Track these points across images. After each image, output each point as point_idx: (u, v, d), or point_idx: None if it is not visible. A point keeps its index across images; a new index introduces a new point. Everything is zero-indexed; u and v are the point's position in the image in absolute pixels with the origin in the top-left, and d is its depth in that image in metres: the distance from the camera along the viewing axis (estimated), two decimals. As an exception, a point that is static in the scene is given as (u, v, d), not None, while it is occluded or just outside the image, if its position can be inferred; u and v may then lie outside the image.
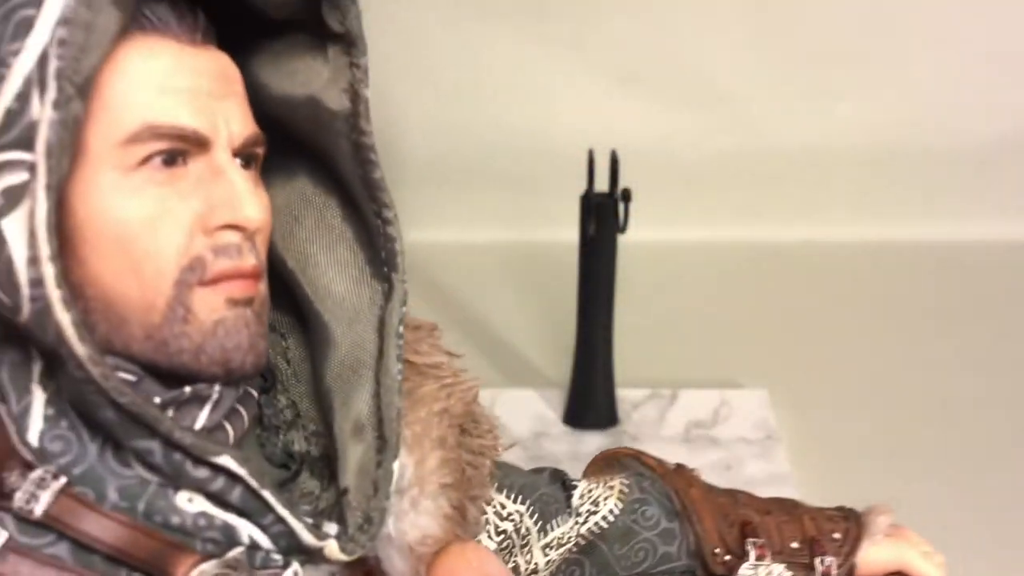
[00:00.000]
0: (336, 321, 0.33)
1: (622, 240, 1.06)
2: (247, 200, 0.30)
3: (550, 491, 0.43)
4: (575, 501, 0.43)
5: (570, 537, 0.42)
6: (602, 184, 1.04)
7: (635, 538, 0.43)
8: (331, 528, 0.30)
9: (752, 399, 1.15)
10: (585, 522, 0.42)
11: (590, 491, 0.43)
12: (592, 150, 1.04)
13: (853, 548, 0.46)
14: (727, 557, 0.43)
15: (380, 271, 0.33)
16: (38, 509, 0.26)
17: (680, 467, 0.46)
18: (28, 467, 0.27)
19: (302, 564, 0.30)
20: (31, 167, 0.25)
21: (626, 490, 0.43)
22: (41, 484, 0.26)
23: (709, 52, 1.38)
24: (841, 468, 1.05)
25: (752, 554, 0.43)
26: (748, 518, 0.44)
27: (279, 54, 0.33)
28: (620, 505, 0.42)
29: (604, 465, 0.47)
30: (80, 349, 0.26)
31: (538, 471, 0.44)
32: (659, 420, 1.12)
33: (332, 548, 0.30)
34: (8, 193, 0.25)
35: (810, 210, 1.47)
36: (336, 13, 0.31)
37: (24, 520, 0.26)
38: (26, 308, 0.26)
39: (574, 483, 0.44)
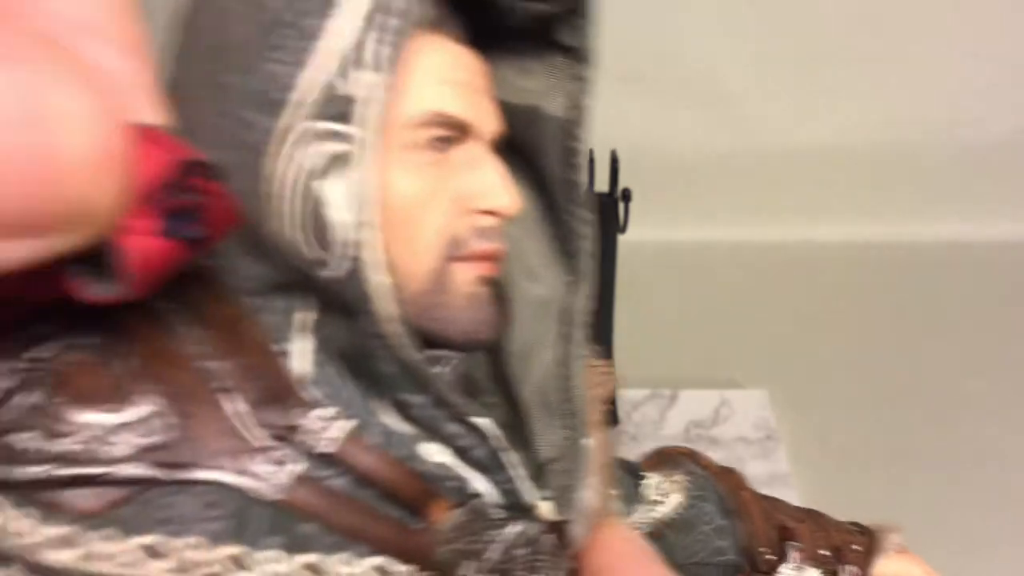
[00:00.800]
0: (521, 303, 0.36)
1: (622, 240, 1.06)
2: (504, 188, 0.33)
3: (625, 479, 0.46)
4: (646, 491, 0.47)
5: (642, 523, 0.46)
6: (602, 184, 1.04)
7: (694, 531, 0.46)
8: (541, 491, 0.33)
9: (752, 399, 1.15)
10: (653, 510, 0.46)
11: (659, 484, 0.47)
12: (592, 150, 1.04)
13: (870, 560, 0.49)
14: (769, 556, 0.46)
15: (567, 265, 0.37)
16: (330, 445, 0.29)
17: (730, 469, 0.50)
18: (311, 406, 0.30)
19: (516, 520, 0.32)
20: (350, 138, 0.28)
21: (688, 486, 0.47)
22: (330, 422, 0.29)
23: (709, 52, 1.38)
24: (841, 468, 1.05)
25: (793, 555, 0.46)
26: (786, 523, 0.48)
27: (504, 58, 0.36)
28: (685, 500, 0.46)
29: (659, 461, 0.50)
30: (388, 309, 0.29)
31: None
32: (659, 420, 1.12)
33: (546, 508, 0.34)
34: (327, 158, 0.28)
35: (810, 210, 1.47)
36: (569, 28, 0.35)
37: (311, 453, 0.29)
38: (338, 266, 0.28)
39: (642, 474, 0.47)
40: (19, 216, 0.20)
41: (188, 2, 0.33)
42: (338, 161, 0.29)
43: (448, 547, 0.31)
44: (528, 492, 0.33)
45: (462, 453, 0.32)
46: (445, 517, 0.32)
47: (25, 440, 0.26)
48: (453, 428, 0.32)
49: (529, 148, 0.37)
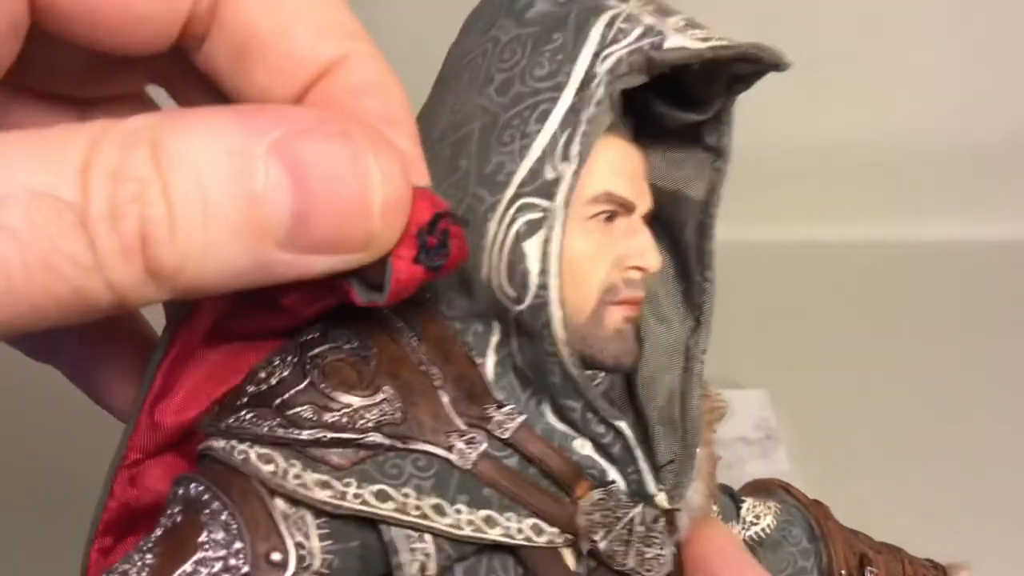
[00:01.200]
0: (651, 340, 0.48)
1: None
2: (652, 252, 0.45)
3: (724, 500, 0.54)
4: (742, 512, 0.54)
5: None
6: (602, 184, 1.04)
7: (782, 550, 0.54)
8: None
9: (752, 399, 1.15)
10: (748, 529, 0.54)
11: (754, 506, 0.55)
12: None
13: None
14: None
15: (692, 312, 0.48)
16: (509, 433, 0.41)
17: (818, 502, 0.57)
18: (498, 405, 0.41)
19: (639, 504, 0.44)
20: (546, 209, 0.39)
21: (780, 512, 0.55)
22: (511, 416, 0.41)
23: (709, 52, 1.38)
24: (841, 468, 1.05)
25: None
26: (866, 552, 0.55)
27: (658, 149, 0.47)
28: (775, 523, 0.54)
29: (755, 489, 0.58)
30: (559, 333, 0.40)
31: None
32: (659, 420, 1.12)
33: (663, 498, 0.44)
34: (530, 224, 0.39)
35: (811, 210, 1.47)
36: (715, 133, 0.47)
37: (495, 438, 0.40)
38: (528, 302, 0.40)
39: (742, 498, 0.55)
40: (339, 239, 0.31)
41: (429, 104, 0.45)
42: (535, 225, 0.39)
43: (587, 517, 0.42)
44: (650, 485, 0.44)
45: (603, 449, 0.43)
46: (587, 495, 0.42)
47: (301, 412, 0.38)
48: (599, 428, 0.42)
49: (672, 222, 0.48)
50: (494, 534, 0.39)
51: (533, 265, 0.39)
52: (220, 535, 0.35)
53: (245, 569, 0.35)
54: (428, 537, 0.38)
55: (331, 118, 0.31)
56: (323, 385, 0.39)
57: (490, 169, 0.40)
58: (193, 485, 0.38)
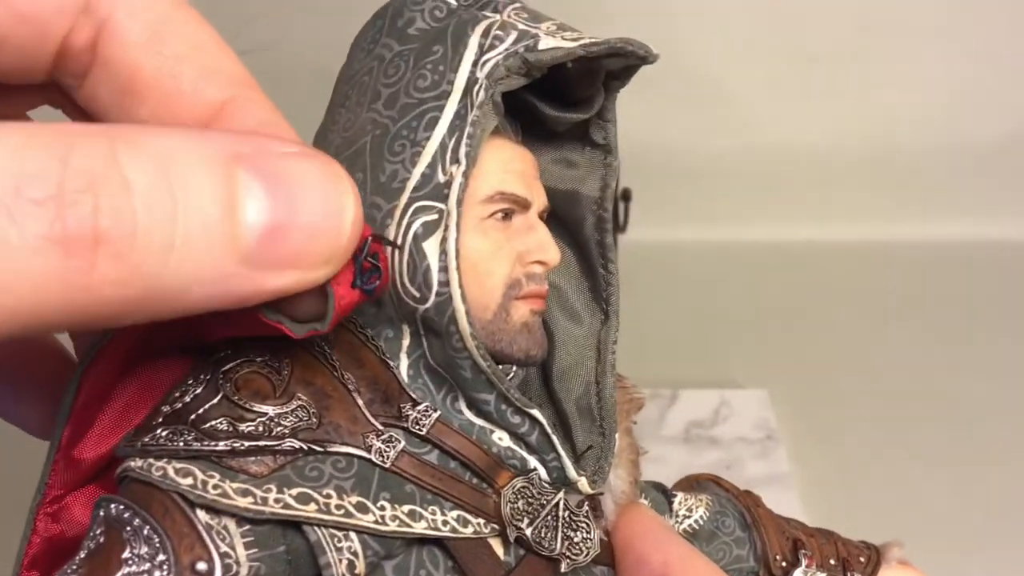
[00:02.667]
0: (563, 336, 0.50)
1: (622, 240, 1.06)
2: (551, 246, 0.46)
3: (656, 495, 0.55)
4: (675, 506, 0.55)
5: None
6: (602, 184, 1.04)
7: (717, 540, 0.55)
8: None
9: (752, 399, 1.15)
10: (682, 522, 0.55)
11: (685, 500, 0.56)
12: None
13: (874, 572, 0.56)
14: (783, 563, 0.55)
15: (600, 305, 0.49)
16: (425, 429, 0.42)
17: (749, 492, 0.59)
18: (413, 403, 0.42)
19: (561, 490, 0.45)
20: (441, 211, 0.41)
21: (711, 504, 0.56)
22: (426, 413, 0.42)
23: (709, 52, 1.38)
24: (841, 468, 1.05)
25: (804, 562, 0.55)
26: (799, 536, 0.56)
27: (548, 152, 0.50)
28: (707, 514, 0.55)
29: (687, 484, 0.59)
30: (467, 328, 0.41)
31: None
32: (659, 420, 1.12)
33: (584, 483, 0.45)
34: (426, 225, 0.41)
35: (810, 210, 1.47)
36: (600, 130, 0.49)
37: (413, 434, 0.42)
38: (431, 299, 0.41)
39: (673, 493, 0.56)
40: (305, 254, 0.31)
41: (321, 130, 0.47)
42: (432, 226, 0.41)
43: (511, 506, 0.43)
44: (570, 471, 0.45)
45: (521, 439, 0.44)
46: (509, 484, 0.43)
47: (216, 425, 0.38)
48: (515, 419, 0.44)
49: (571, 219, 0.50)
50: (419, 527, 0.40)
51: (433, 263, 0.41)
52: (144, 549, 0.36)
53: None
54: (353, 535, 0.39)
55: (291, 141, 0.32)
56: (236, 397, 0.39)
57: (384, 178, 0.42)
58: (114, 506, 0.37)
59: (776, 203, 1.47)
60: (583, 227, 0.50)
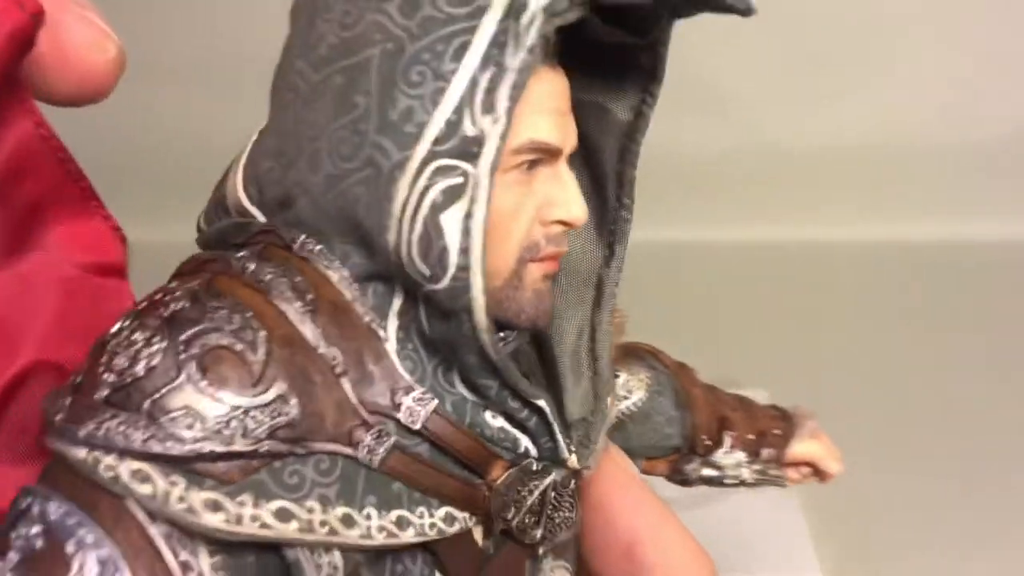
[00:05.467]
0: (563, 271, 0.43)
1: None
2: (577, 203, 0.39)
3: None
4: (617, 387, 0.54)
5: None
6: (602, 184, 1.04)
7: (650, 421, 0.56)
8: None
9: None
10: (619, 404, 0.54)
11: (626, 382, 0.55)
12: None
13: (787, 442, 0.60)
14: (708, 443, 0.57)
15: (606, 241, 0.44)
16: (419, 423, 0.36)
17: (684, 365, 0.60)
18: (406, 389, 0.36)
19: (552, 471, 0.41)
20: (467, 174, 0.34)
21: (650, 383, 0.56)
22: (422, 402, 0.36)
23: (710, 52, 1.38)
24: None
25: (727, 442, 0.57)
26: (725, 414, 0.58)
27: (582, 68, 0.41)
28: (645, 395, 0.55)
29: (625, 353, 0.58)
30: (483, 321, 0.35)
31: None
32: (659, 420, 1.12)
33: (573, 460, 0.41)
34: (447, 192, 0.33)
35: (810, 210, 1.47)
36: (651, 56, 0.41)
37: (402, 427, 0.36)
38: (445, 283, 0.34)
39: (617, 372, 0.54)
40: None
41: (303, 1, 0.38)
42: (455, 193, 0.34)
43: (501, 499, 0.38)
44: (563, 451, 0.41)
45: (514, 420, 0.39)
46: (502, 477, 0.39)
47: (179, 420, 0.32)
48: (514, 404, 0.39)
49: (589, 139, 0.42)
50: (407, 536, 0.36)
51: (452, 242, 0.34)
52: (95, 570, 0.31)
53: None
54: (336, 551, 0.35)
55: None
56: (203, 383, 0.32)
57: (396, 115, 0.34)
58: (53, 505, 0.32)
59: (776, 203, 1.47)
60: (602, 153, 0.43)
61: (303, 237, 0.37)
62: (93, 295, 0.38)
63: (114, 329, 0.34)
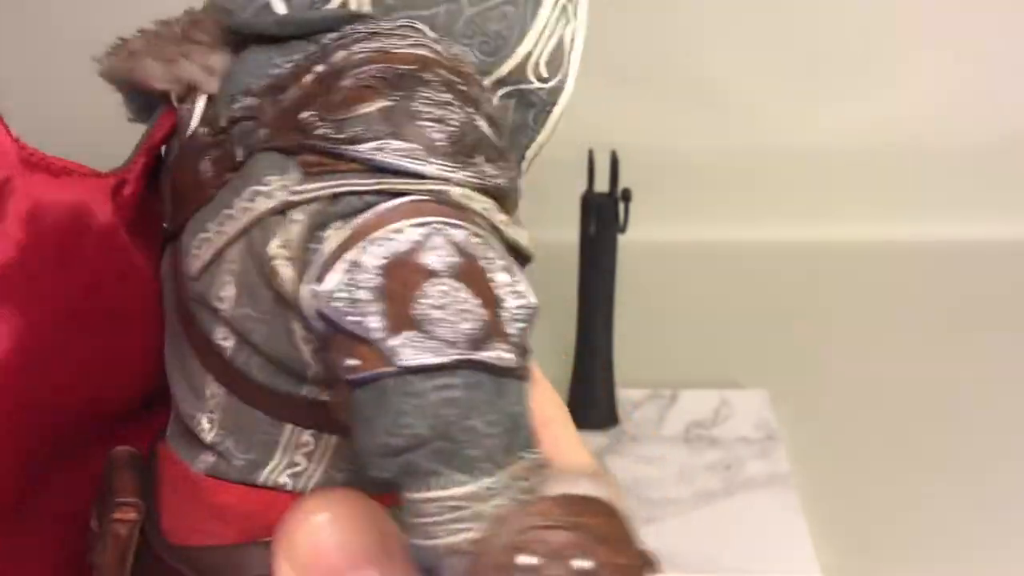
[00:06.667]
0: None
1: (622, 240, 1.05)
2: None
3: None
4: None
5: None
6: (602, 184, 1.04)
7: None
8: None
9: (752, 399, 1.15)
10: None
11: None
12: (592, 150, 1.04)
13: None
14: None
15: None
16: None
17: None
18: None
19: None
20: None
21: None
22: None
23: (710, 52, 1.38)
24: (841, 468, 1.05)
25: None
26: None
27: None
28: None
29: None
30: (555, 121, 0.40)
31: None
32: (659, 420, 1.12)
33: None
34: (564, 11, 0.41)
35: (810, 210, 1.47)
36: None
37: None
38: (551, 83, 0.40)
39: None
40: None
41: None
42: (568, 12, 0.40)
43: None
44: None
45: None
46: None
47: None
48: None
49: None
50: None
51: (569, 51, 0.40)
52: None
53: None
54: None
55: None
56: None
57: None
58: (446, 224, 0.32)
59: (776, 203, 1.47)
60: None
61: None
62: None
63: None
